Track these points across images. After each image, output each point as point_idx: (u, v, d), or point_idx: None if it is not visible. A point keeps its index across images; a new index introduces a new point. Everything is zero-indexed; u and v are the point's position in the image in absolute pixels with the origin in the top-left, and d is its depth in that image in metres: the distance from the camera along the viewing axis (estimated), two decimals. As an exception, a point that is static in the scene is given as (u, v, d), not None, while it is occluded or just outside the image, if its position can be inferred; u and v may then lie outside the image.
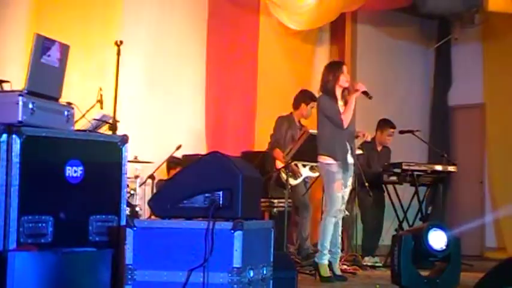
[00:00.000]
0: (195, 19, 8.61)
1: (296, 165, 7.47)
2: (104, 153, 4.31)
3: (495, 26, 9.68)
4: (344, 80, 6.28)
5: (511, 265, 4.69)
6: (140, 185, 7.49)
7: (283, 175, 7.33)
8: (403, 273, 5.29)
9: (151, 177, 7.54)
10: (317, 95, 6.66)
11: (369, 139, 7.09)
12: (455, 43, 10.16)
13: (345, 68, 6.40)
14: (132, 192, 7.40)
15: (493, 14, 9.13)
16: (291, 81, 8.73)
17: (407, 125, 8.53)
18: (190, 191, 4.09)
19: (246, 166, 4.32)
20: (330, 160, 6.20)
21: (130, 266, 3.90)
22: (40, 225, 3.99)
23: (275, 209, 7.56)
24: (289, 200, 7.33)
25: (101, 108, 6.34)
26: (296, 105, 7.65)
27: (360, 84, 6.32)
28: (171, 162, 7.73)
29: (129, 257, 3.90)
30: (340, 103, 6.32)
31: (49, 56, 4.15)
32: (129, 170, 7.26)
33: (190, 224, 4.00)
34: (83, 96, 7.04)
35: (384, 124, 8.20)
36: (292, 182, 7.48)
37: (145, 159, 7.59)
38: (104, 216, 4.29)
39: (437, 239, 5.26)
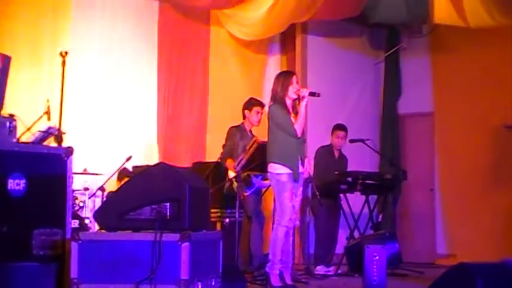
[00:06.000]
0: (145, 30, 8.56)
1: (248, 175, 7.47)
2: (48, 165, 4.25)
3: (443, 36, 9.84)
4: (292, 91, 6.28)
5: (458, 272, 4.77)
6: (90, 197, 7.40)
7: (235, 185, 7.31)
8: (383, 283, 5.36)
9: (101, 189, 7.46)
10: (267, 105, 6.66)
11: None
12: (404, 53, 10.30)
13: (294, 79, 6.39)
14: (81, 204, 7.33)
15: (440, 25, 9.28)
16: (243, 92, 8.73)
17: (357, 134, 8.60)
18: (137, 202, 4.06)
19: (193, 177, 4.31)
20: (280, 169, 6.19)
21: (75, 280, 3.85)
22: (-19, 239, 3.91)
23: (227, 219, 7.54)
24: (241, 210, 7.32)
25: (48, 119, 6.23)
26: (243, 115, 7.68)
27: (302, 89, 6.34)
28: (122, 173, 7.66)
29: (74, 270, 3.86)
30: (292, 115, 6.33)
31: (-11, 67, 4.07)
32: (79, 182, 7.26)
33: (137, 236, 3.97)
34: (30, 107, 6.95)
35: (334, 128, 8.27)
36: (245, 192, 7.47)
37: (95, 171, 7.52)
38: (48, 230, 4.21)
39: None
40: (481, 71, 9.47)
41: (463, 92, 9.68)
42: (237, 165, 7.21)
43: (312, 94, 6.27)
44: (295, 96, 6.32)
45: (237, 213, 7.03)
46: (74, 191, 6.67)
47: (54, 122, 6.07)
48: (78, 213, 7.19)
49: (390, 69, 10.44)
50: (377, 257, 5.55)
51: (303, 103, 6.26)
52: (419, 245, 9.81)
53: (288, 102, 6.33)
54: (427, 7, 8.78)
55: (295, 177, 6.20)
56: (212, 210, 7.25)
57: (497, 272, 4.79)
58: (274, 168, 6.22)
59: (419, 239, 9.93)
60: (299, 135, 6.27)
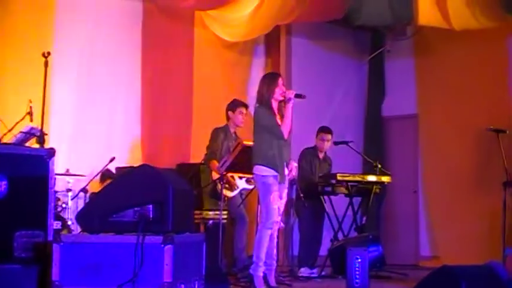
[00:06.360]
0: (129, 31, 8.52)
1: (232, 177, 7.45)
2: (30, 167, 4.22)
3: (427, 38, 9.87)
4: (278, 93, 6.27)
5: (442, 274, 4.78)
6: (72, 199, 7.35)
7: (219, 187, 7.28)
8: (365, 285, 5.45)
9: (84, 190, 7.41)
10: (253, 107, 6.64)
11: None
12: (389, 55, 10.31)
13: (280, 81, 6.37)
14: (64, 206, 7.27)
15: (424, 27, 9.31)
16: (227, 93, 8.71)
17: (341, 136, 8.61)
18: (120, 205, 4.03)
19: (176, 179, 4.29)
20: (266, 172, 6.17)
21: (57, 283, 3.81)
22: (-39, 242, 3.86)
23: (210, 221, 7.52)
24: (225, 212, 7.30)
25: (31, 120, 6.19)
26: (226, 116, 7.67)
27: (288, 91, 6.33)
28: (105, 175, 7.62)
29: (55, 273, 3.82)
30: (278, 117, 6.31)
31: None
32: (61, 183, 7.20)
33: (119, 238, 3.94)
34: (13, 108, 6.90)
35: (319, 130, 8.27)
36: (229, 194, 7.45)
37: (78, 172, 7.46)
38: (30, 232, 4.17)
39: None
40: (466, 74, 9.51)
41: (447, 94, 9.71)
42: (221, 166, 7.19)
43: (297, 96, 6.27)
44: (281, 98, 6.31)
45: (220, 215, 7.00)
46: (56, 192, 6.63)
47: (36, 123, 6.03)
48: (61, 214, 7.14)
49: (374, 72, 10.46)
50: (359, 260, 5.63)
51: (289, 105, 6.25)
52: (403, 247, 9.82)
53: (274, 104, 6.32)
54: (411, 9, 8.80)
55: (280, 179, 6.19)
56: (195, 212, 7.20)
57: (481, 274, 4.80)
58: (260, 170, 6.20)
59: (403, 240, 9.94)
60: (285, 137, 6.26)
